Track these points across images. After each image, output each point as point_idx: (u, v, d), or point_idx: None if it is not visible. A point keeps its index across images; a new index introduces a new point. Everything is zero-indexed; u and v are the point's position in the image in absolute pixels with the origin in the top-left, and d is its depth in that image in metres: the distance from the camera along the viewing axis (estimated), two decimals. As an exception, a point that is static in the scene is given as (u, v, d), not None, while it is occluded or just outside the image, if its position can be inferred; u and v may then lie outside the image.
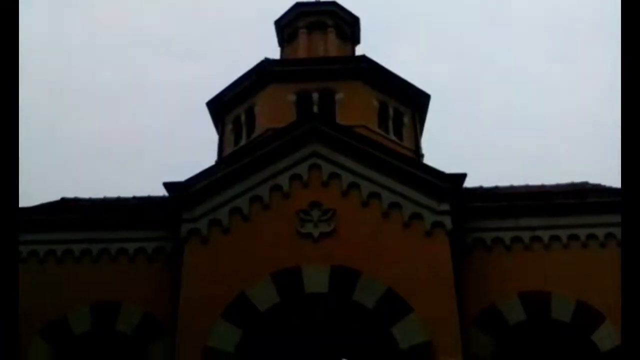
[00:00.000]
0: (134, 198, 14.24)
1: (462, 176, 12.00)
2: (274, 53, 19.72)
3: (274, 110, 15.85)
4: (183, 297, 11.38)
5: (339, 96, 16.11)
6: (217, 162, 14.01)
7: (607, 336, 11.30)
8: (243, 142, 16.24)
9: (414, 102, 17.27)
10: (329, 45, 18.51)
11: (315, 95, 16.11)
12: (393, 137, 16.19)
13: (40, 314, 12.03)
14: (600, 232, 12.20)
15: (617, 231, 11.71)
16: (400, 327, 10.96)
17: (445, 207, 11.88)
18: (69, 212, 13.32)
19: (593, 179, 14.13)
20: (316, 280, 11.39)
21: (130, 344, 12.04)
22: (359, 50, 19.72)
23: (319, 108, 15.86)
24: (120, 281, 12.34)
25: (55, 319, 12.03)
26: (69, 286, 12.32)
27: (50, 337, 11.94)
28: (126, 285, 12.27)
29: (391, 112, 16.67)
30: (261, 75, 16.64)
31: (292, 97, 16.14)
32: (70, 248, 12.67)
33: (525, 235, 12.34)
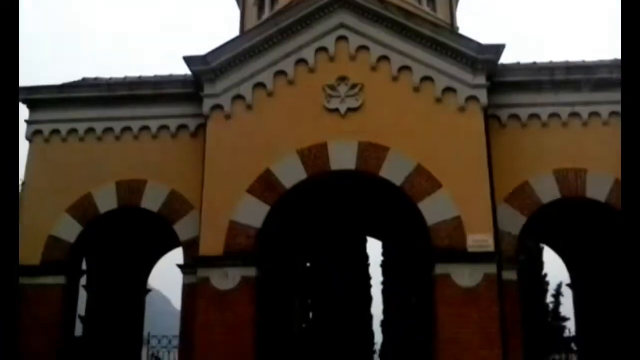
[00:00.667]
0: (156, 76, 13.78)
1: (500, 47, 11.23)
2: None
3: (298, -19, 14.80)
4: (207, 173, 11.20)
5: (367, -36, 14.92)
6: (239, 35, 13.29)
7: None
8: (266, 15, 15.39)
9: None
10: None
11: (342, -36, 14.93)
12: (426, 8, 15.12)
13: (66, 192, 12.06)
14: (645, 108, 11.49)
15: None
16: (428, 202, 10.69)
17: (480, 80, 11.21)
18: (89, 88, 12.96)
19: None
20: (343, 156, 11.04)
21: (156, 221, 12.06)
22: None
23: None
24: (145, 159, 12.19)
25: (81, 197, 12.03)
26: (92, 164, 12.23)
27: (78, 214, 11.98)
28: (151, 163, 12.12)
29: (424, -20, 15.50)
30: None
31: (317, -33, 14.99)
32: (92, 126, 12.46)
33: (564, 111, 11.70)
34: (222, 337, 10.38)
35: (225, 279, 10.67)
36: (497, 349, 9.86)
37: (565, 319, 39.66)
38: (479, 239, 10.42)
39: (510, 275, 10.80)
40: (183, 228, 11.64)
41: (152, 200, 11.90)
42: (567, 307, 39.92)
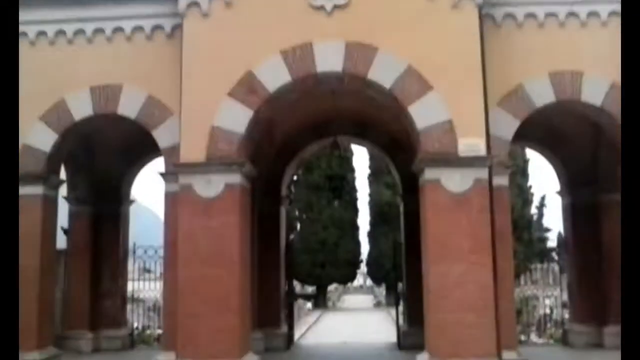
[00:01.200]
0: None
1: (498, -62, 10.44)
2: None
3: None
4: (185, 76, 10.59)
5: None
6: None
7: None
8: None
9: None
10: None
11: None
12: None
13: (38, 98, 11.43)
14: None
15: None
16: (419, 106, 10.23)
17: (475, -26, 10.49)
18: (56, -12, 12.04)
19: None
20: (329, 57, 10.43)
21: (134, 127, 11.56)
22: None
23: None
24: (119, 63, 11.49)
25: (54, 104, 11.44)
26: (64, 69, 11.54)
27: (52, 122, 11.44)
28: (126, 67, 11.44)
29: None
30: None
31: None
32: (62, 28, 11.65)
33: (561, 10, 11.07)
34: (207, 245, 10.14)
35: (209, 186, 10.31)
36: (487, 254, 9.73)
37: (547, 229, 40.52)
38: (471, 143, 10.06)
39: (501, 180, 10.53)
40: (163, 135, 11.14)
41: (128, 106, 11.32)
42: (548, 219, 40.67)
